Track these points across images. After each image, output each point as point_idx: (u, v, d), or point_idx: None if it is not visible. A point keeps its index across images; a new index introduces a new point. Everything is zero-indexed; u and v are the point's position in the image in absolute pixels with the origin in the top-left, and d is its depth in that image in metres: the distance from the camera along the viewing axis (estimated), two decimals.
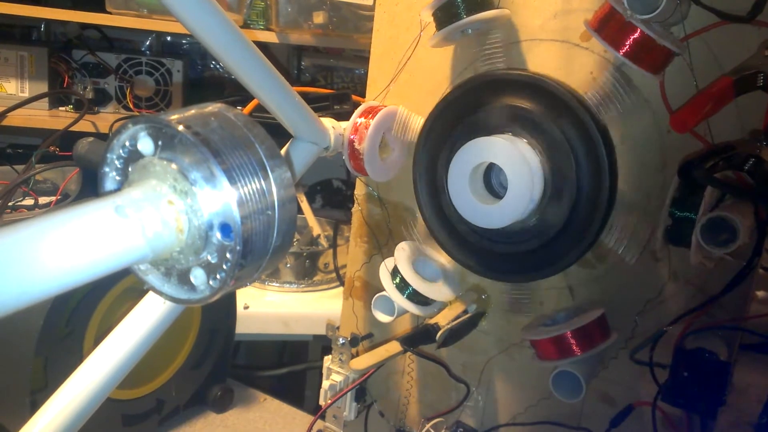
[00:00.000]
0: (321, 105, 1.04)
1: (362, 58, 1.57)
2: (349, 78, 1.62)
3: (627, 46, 0.49)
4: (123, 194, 0.31)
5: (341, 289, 1.12)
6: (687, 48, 0.50)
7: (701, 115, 0.49)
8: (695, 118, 0.49)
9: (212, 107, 0.34)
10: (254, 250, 0.33)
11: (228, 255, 0.32)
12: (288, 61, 1.60)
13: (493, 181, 0.56)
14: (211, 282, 0.33)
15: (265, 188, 0.33)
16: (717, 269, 0.50)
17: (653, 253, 0.53)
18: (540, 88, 0.53)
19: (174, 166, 0.32)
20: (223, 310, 0.88)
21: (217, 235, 0.32)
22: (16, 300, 0.26)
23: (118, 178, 0.33)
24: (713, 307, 0.51)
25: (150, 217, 0.31)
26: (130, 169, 0.33)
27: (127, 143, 0.33)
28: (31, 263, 0.26)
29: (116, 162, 0.33)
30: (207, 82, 1.62)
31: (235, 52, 0.45)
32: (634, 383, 0.56)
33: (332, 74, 1.63)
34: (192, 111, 0.33)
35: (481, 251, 0.58)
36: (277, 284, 1.12)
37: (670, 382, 0.51)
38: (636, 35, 0.48)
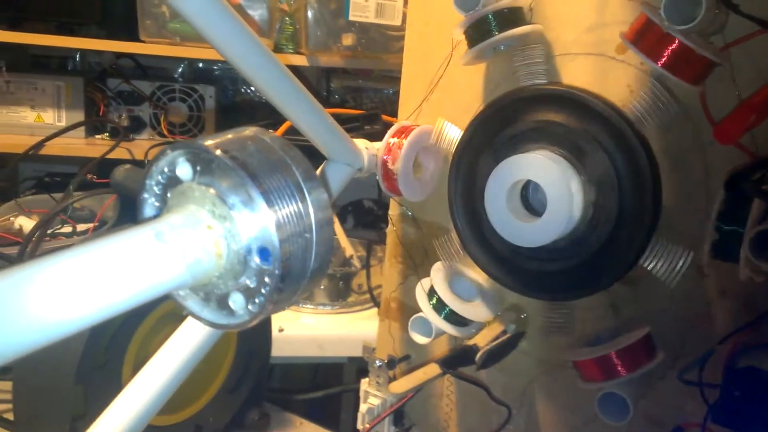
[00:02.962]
0: (351, 126, 1.04)
1: (391, 78, 1.57)
2: (378, 98, 1.63)
3: (665, 58, 0.48)
4: (162, 220, 0.31)
5: (375, 310, 1.12)
6: (728, 58, 0.49)
7: (745, 126, 0.48)
8: (739, 129, 0.48)
9: (249, 131, 0.34)
10: (292, 274, 0.33)
11: (266, 279, 0.32)
12: (317, 84, 1.62)
13: (530, 199, 0.55)
14: (249, 306, 0.33)
15: (302, 211, 0.33)
16: (766, 284, 0.48)
17: (700, 268, 0.51)
18: (577, 102, 0.52)
19: (212, 190, 0.32)
20: (259, 333, 0.88)
21: (256, 259, 0.32)
22: (59, 329, 0.26)
23: (157, 204, 0.33)
24: (764, 324, 0.49)
25: (189, 242, 0.31)
26: (168, 195, 0.33)
27: (166, 169, 0.33)
28: (73, 291, 0.26)
29: (155, 188, 0.33)
30: (238, 106, 1.64)
31: (269, 76, 0.45)
32: (683, 404, 0.54)
33: (361, 95, 1.64)
34: (229, 136, 0.33)
35: (519, 269, 0.57)
36: (312, 306, 1.12)
37: (721, 402, 0.50)
38: (674, 46, 0.47)
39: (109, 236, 0.28)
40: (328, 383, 1.31)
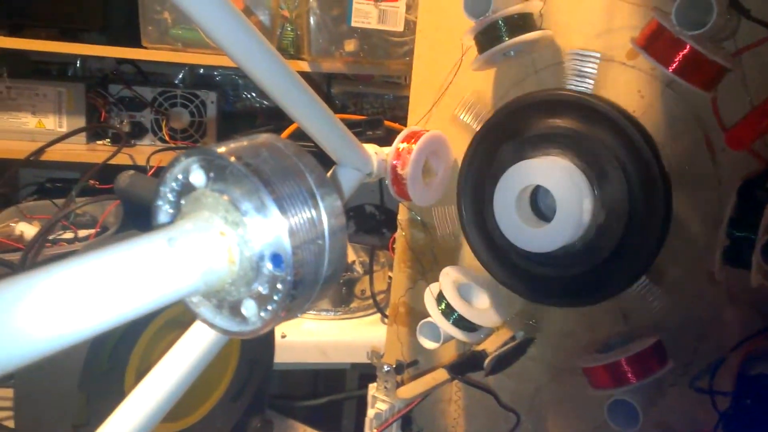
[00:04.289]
0: (354, 131, 1.03)
1: (391, 83, 1.57)
2: (379, 104, 1.62)
3: (676, 63, 0.48)
4: (175, 227, 0.30)
5: (378, 315, 1.11)
6: (740, 63, 0.49)
7: (758, 132, 0.47)
8: (751, 135, 0.47)
9: (263, 138, 0.34)
10: (305, 280, 0.32)
11: (279, 286, 0.32)
12: (318, 89, 1.62)
13: (540, 204, 0.55)
14: (262, 313, 0.33)
15: (315, 217, 0.33)
16: None
17: (711, 275, 0.51)
18: (585, 108, 0.52)
19: (225, 197, 0.31)
20: (262, 340, 0.87)
21: (268, 266, 0.32)
22: (72, 336, 0.26)
23: (171, 211, 0.33)
24: None
25: (202, 248, 0.30)
26: (182, 201, 0.33)
27: (180, 176, 0.32)
28: (86, 297, 0.26)
29: (169, 195, 0.33)
30: (240, 112, 1.64)
31: (280, 81, 0.45)
32: (694, 412, 0.54)
33: (362, 100, 1.64)
34: (243, 142, 0.33)
35: (528, 275, 0.57)
36: (314, 312, 1.11)
37: (733, 410, 0.49)
38: (686, 51, 0.47)
39: (122, 242, 0.28)
40: (329, 389, 1.30)
